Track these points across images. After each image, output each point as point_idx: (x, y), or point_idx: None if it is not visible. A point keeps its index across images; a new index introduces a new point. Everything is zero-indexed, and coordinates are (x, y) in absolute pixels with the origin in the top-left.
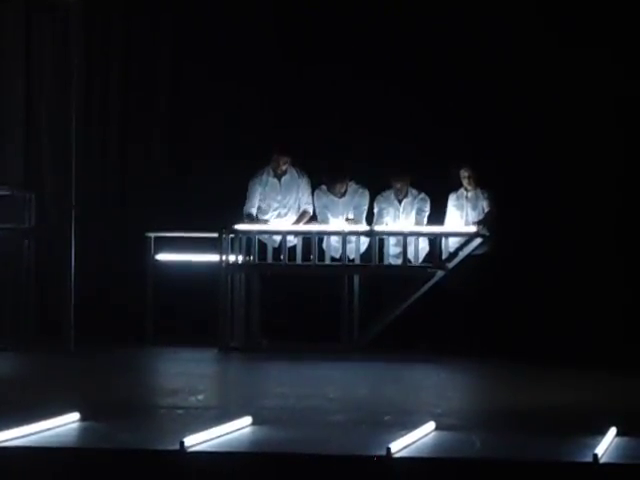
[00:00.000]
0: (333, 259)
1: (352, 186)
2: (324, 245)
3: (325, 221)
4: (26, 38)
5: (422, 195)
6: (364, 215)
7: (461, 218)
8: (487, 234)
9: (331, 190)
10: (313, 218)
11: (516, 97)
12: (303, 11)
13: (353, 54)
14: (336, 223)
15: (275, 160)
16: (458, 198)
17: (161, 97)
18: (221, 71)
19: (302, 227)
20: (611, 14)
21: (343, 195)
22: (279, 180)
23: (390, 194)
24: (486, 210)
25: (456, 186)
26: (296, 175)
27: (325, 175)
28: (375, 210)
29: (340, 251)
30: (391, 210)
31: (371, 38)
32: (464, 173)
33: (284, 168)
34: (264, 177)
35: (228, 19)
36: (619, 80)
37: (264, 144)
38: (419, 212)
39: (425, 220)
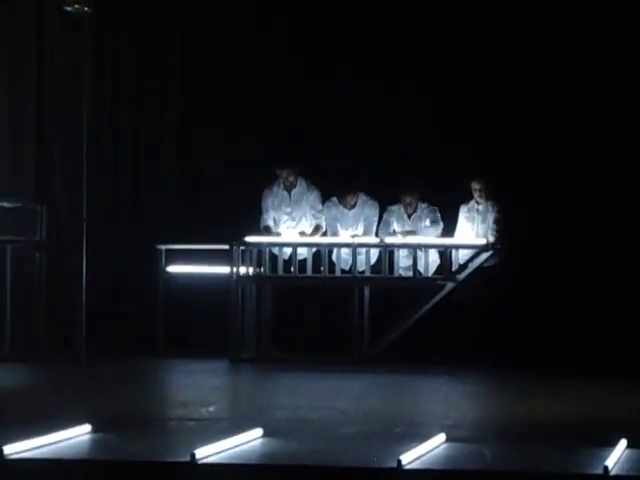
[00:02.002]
0: (343, 271)
1: (362, 198)
2: (334, 257)
3: (335, 233)
4: (38, 50)
5: (431, 208)
6: (374, 227)
7: (472, 230)
8: (497, 246)
9: (341, 202)
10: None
11: (527, 109)
12: (315, 25)
13: (364, 67)
14: (346, 235)
15: (278, 174)
16: (469, 210)
17: (172, 109)
18: (232, 83)
19: (312, 239)
20: (620, 18)
21: (353, 207)
22: (289, 193)
23: (399, 209)
24: (491, 222)
25: (467, 198)
26: (305, 188)
27: (336, 187)
28: (382, 220)
29: (350, 263)
30: (400, 224)
31: (381, 52)
32: (475, 186)
33: (291, 180)
34: (274, 189)
35: (239, 32)
36: (631, 87)
37: (275, 156)
38: (432, 223)
39: (440, 231)
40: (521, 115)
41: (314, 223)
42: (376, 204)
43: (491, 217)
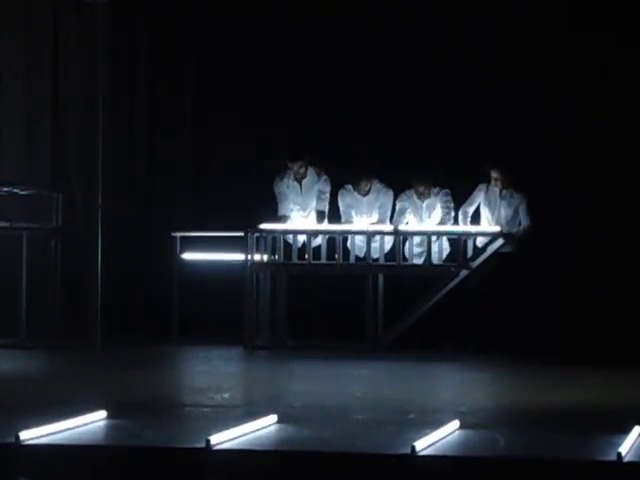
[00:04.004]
0: (357, 258)
1: (376, 185)
2: (349, 244)
3: (349, 220)
4: (54, 39)
5: (444, 191)
6: (388, 214)
7: (492, 216)
8: (514, 241)
9: (356, 188)
10: (335, 217)
11: (546, 97)
12: (331, 10)
13: (378, 54)
14: (361, 222)
15: (290, 167)
16: (488, 195)
17: (187, 97)
18: (247, 71)
19: (327, 227)
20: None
21: (367, 194)
22: (300, 184)
23: (412, 194)
24: (522, 218)
25: (485, 181)
26: (315, 176)
27: (350, 173)
28: (397, 208)
29: (364, 250)
30: (414, 210)
31: (397, 37)
32: (493, 174)
33: (302, 172)
34: (285, 180)
35: (254, 18)
36: None
37: (290, 143)
38: (444, 210)
39: (452, 215)
40: (538, 100)
41: (317, 209)
42: (390, 192)
43: (519, 208)
